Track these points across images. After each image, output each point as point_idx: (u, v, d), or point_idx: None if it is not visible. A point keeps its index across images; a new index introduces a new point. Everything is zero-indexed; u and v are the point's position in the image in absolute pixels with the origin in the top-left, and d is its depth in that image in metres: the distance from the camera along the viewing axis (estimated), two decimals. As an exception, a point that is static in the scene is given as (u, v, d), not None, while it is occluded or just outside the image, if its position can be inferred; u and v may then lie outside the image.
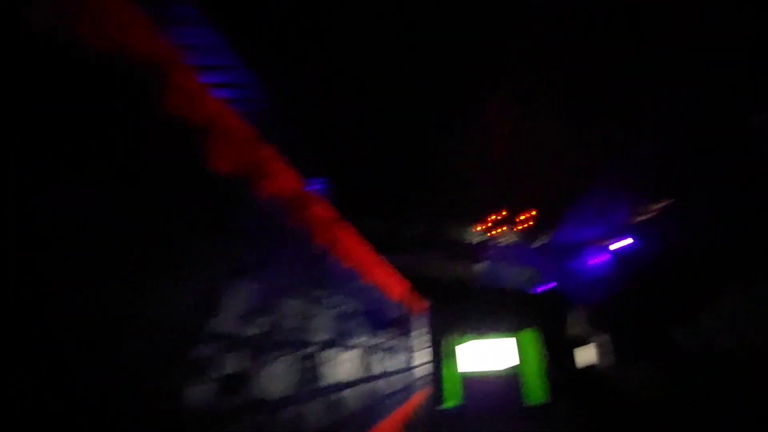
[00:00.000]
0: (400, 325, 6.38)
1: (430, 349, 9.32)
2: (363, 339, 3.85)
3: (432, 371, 8.83)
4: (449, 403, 12.11)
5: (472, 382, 12.25)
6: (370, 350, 4.00)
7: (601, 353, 6.99)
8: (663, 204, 5.28)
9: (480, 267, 7.31)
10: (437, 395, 8.72)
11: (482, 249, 7.00)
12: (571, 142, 4.46)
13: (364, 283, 4.08)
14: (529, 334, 12.41)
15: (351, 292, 3.59)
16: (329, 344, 2.88)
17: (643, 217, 5.74)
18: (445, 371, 12.31)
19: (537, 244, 7.05)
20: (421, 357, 8.90)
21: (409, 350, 7.43)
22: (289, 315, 2.29)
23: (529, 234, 6.89)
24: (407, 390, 6.75)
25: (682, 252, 5.16)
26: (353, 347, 3.48)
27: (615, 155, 4.46)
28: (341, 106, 4.49)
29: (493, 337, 12.79)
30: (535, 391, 11.68)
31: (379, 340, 4.59)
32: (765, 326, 4.06)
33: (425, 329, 9.29)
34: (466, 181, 5.76)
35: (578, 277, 6.67)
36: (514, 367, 12.18)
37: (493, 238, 7.04)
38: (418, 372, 8.68)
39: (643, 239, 5.97)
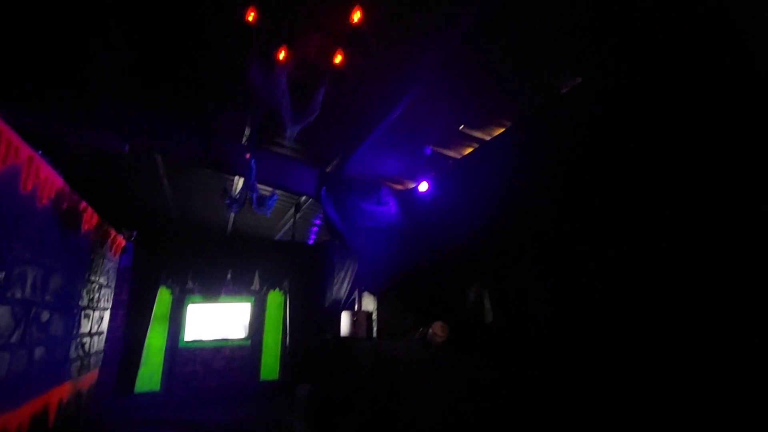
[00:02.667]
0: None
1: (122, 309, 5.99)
2: None
3: (130, 338, 5.56)
4: (146, 387, 8.78)
5: (191, 356, 9.39)
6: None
7: (369, 322, 5.81)
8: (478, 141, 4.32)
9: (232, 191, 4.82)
10: (128, 376, 5.55)
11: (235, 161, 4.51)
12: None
13: None
14: (277, 297, 10.67)
15: None
16: None
17: (453, 153, 4.74)
18: (151, 341, 8.87)
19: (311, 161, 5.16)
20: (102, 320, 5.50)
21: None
22: None
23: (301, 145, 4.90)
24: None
25: (481, 206, 4.39)
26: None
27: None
28: None
29: (229, 300, 10.31)
30: (271, 365, 10.04)
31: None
32: (551, 305, 3.49)
33: (113, 279, 5.90)
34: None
35: (360, 224, 5.19)
36: (252, 337, 10.15)
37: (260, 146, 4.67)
38: (95, 343, 5.26)
39: (444, 184, 5.01)
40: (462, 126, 4.14)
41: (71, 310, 4.26)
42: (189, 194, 6.86)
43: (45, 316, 3.56)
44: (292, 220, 7.45)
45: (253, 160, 4.49)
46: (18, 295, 3.02)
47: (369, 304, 6.90)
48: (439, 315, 4.48)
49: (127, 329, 5.40)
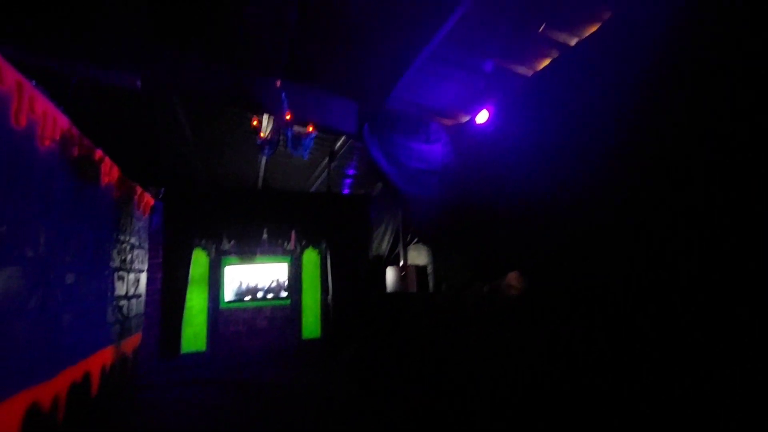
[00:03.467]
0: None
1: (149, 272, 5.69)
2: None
3: (169, 301, 5.28)
4: (192, 347, 8.81)
5: (232, 316, 9.33)
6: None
7: (421, 276, 5.25)
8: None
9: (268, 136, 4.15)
10: (171, 338, 5.33)
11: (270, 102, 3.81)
12: None
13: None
14: (313, 256, 10.36)
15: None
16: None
17: (523, 70, 3.85)
18: (192, 303, 8.79)
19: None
20: (139, 282, 5.19)
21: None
22: None
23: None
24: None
25: (562, 136, 3.53)
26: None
27: None
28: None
29: (265, 261, 10.08)
30: (312, 324, 9.90)
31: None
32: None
33: (145, 240, 5.54)
34: None
35: (410, 166, 4.47)
36: (291, 297, 9.98)
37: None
38: (134, 306, 4.97)
39: (509, 111, 4.16)
40: (542, 27, 3.23)
41: (101, 272, 3.88)
42: (214, 146, 6.30)
43: (70, 278, 3.15)
44: (326, 170, 6.81)
45: (283, 93, 3.79)
46: (30, 254, 2.57)
47: (416, 258, 6.32)
48: (506, 266, 3.83)
49: (165, 292, 5.10)
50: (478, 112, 4.37)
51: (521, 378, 3.14)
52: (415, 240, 5.94)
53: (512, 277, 3.46)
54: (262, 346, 9.32)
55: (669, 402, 2.42)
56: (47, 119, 2.74)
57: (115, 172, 4.15)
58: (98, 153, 3.67)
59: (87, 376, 3.55)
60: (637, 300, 2.79)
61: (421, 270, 5.41)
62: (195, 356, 8.71)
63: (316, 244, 10.21)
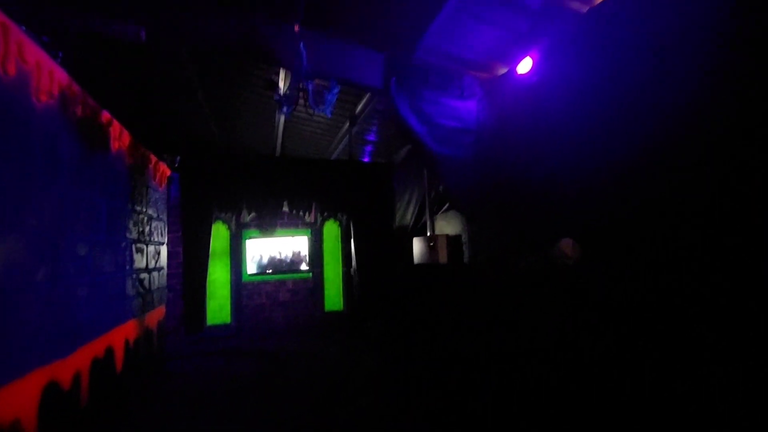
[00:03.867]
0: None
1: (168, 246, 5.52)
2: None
3: (190, 275, 5.12)
4: (217, 320, 8.88)
5: (255, 289, 9.32)
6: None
7: (452, 246, 4.91)
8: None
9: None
10: (194, 311, 5.21)
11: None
12: None
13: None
14: (333, 228, 10.14)
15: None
16: None
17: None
18: (215, 276, 8.77)
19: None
20: (157, 255, 5.03)
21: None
22: None
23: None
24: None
25: (626, 83, 3.01)
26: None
27: None
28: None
29: (285, 234, 9.96)
30: (334, 296, 9.81)
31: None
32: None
33: (164, 212, 5.34)
34: None
35: (442, 124, 4.03)
36: (313, 269, 9.88)
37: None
38: (155, 279, 4.84)
39: (558, 56, 3.63)
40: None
41: (118, 244, 3.68)
42: (229, 109, 5.97)
43: (83, 249, 2.94)
44: (347, 136, 6.41)
45: (302, 43, 3.38)
46: (33, 222, 2.33)
47: (445, 227, 5.96)
48: (555, 234, 3.44)
49: (186, 265, 4.93)
50: (520, 61, 3.84)
51: (578, 358, 2.81)
52: (445, 208, 5.57)
53: (566, 245, 3.07)
54: (286, 318, 9.32)
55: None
56: (42, 71, 2.43)
57: (126, 138, 3.87)
58: (105, 115, 3.37)
59: (110, 352, 3.41)
60: (712, 275, 2.37)
61: (452, 240, 5.05)
62: (220, 328, 8.79)
63: (336, 216, 9.97)
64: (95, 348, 3.14)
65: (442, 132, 4.02)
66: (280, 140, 6.86)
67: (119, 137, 3.69)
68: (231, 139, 7.18)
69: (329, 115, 3.62)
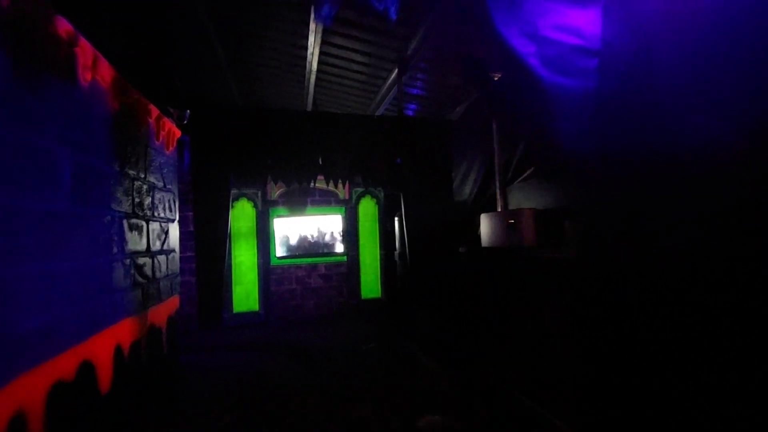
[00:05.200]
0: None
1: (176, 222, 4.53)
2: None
3: (203, 260, 4.13)
4: (244, 307, 8.10)
5: (285, 273, 8.47)
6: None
7: (545, 225, 3.65)
8: None
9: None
10: (211, 301, 4.24)
11: None
12: None
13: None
14: (370, 206, 9.01)
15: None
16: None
17: None
18: (240, 259, 7.92)
19: None
20: (166, 235, 4.02)
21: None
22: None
23: None
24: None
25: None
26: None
27: None
28: None
29: (317, 212, 8.97)
30: (372, 282, 8.76)
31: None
32: None
33: (173, 182, 4.32)
34: None
35: (552, 39, 2.72)
36: (348, 253, 8.88)
37: None
38: (162, 264, 3.84)
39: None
40: None
41: (97, 217, 2.65)
42: (249, 60, 4.83)
43: (21, 221, 1.90)
44: (395, 87, 5.14)
45: None
46: None
47: (524, 202, 4.66)
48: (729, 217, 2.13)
49: (199, 246, 3.94)
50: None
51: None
52: (526, 175, 4.25)
53: None
54: (318, 306, 8.37)
55: None
56: None
57: (106, 70, 2.79)
58: (63, 25, 2.28)
59: (85, 369, 2.42)
60: None
61: (543, 215, 3.76)
62: (248, 316, 7.94)
63: (373, 192, 8.79)
64: (57, 368, 2.13)
65: (554, 51, 2.71)
66: (311, 97, 5.68)
67: (93, 67, 2.60)
68: (251, 96, 6.06)
69: (394, 17, 2.40)
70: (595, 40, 2.83)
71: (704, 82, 2.41)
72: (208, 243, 4.00)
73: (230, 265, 7.70)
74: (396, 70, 4.85)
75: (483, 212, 4.66)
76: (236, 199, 7.87)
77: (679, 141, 2.48)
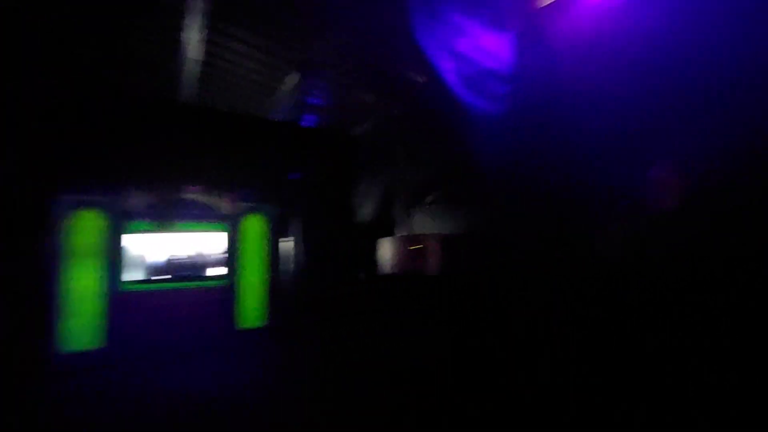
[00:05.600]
0: None
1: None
2: None
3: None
4: (78, 345, 6.42)
5: (139, 302, 6.94)
6: None
7: (454, 252, 3.48)
8: None
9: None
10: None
11: None
12: None
13: None
14: (256, 223, 8.09)
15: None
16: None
17: None
18: (73, 283, 6.29)
19: None
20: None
21: None
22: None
23: None
24: None
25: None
26: None
27: None
28: None
29: (189, 228, 7.69)
30: (254, 309, 7.75)
31: None
32: None
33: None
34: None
35: (467, 63, 2.61)
36: (226, 276, 7.73)
37: None
38: None
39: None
40: None
41: None
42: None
43: None
44: (293, 93, 4.57)
45: None
46: None
47: (427, 226, 4.48)
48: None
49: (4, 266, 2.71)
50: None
51: None
52: (430, 199, 4.11)
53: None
54: (186, 340, 7.03)
55: None
56: None
57: None
58: None
59: None
60: None
61: (450, 242, 3.60)
62: (89, 356, 6.18)
63: (263, 207, 7.92)
64: None
65: (472, 71, 2.57)
66: (193, 89, 4.72)
67: None
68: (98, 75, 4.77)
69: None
70: (507, 65, 2.80)
71: (602, 101, 2.51)
72: (18, 264, 2.78)
73: (64, 291, 5.95)
74: (299, 74, 4.34)
75: (383, 236, 4.38)
76: (77, 207, 6.20)
77: (580, 160, 2.53)
